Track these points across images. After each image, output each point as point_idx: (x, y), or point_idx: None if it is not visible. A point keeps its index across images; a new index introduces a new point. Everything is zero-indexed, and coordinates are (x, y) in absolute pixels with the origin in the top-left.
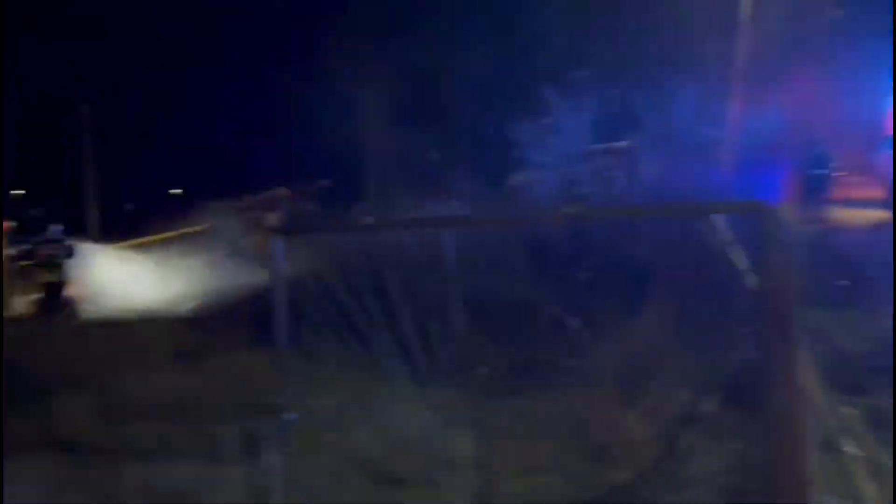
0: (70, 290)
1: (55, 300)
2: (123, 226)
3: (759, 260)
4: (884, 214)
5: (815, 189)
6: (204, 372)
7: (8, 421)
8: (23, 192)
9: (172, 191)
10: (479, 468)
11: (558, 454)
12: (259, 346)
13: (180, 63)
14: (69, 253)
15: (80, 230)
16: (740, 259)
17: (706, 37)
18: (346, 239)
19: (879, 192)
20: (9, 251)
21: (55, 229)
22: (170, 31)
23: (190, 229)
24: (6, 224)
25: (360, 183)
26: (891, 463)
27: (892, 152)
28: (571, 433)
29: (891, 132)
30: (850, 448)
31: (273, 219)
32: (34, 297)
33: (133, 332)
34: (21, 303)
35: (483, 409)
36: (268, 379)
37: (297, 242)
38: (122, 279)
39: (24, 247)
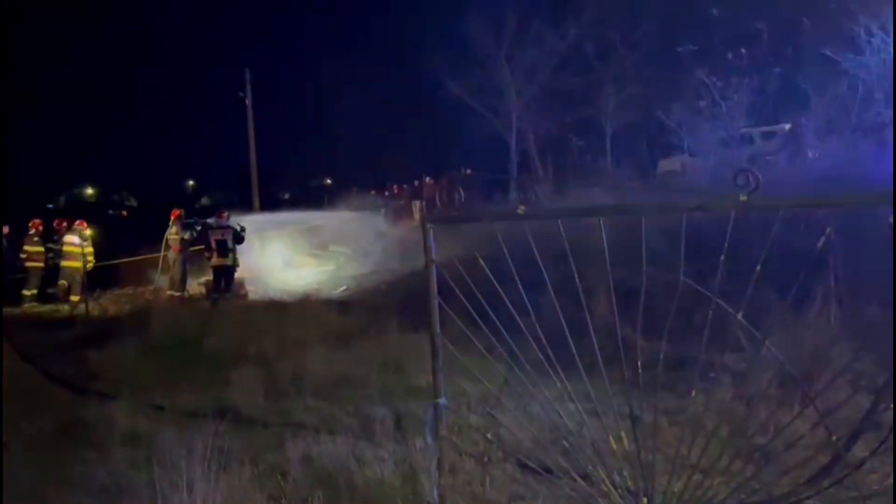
0: (238, 273)
1: (225, 282)
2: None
3: None
4: None
5: None
6: (358, 353)
7: (183, 391)
8: (193, 182)
9: (322, 181)
10: (631, 464)
11: (716, 455)
12: (407, 330)
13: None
14: (238, 238)
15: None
16: None
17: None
18: (494, 227)
19: None
20: (182, 235)
21: (224, 216)
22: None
23: (339, 217)
24: (176, 211)
25: (502, 171)
26: None
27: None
28: (730, 434)
29: None
30: None
31: (419, 207)
32: (205, 279)
33: (292, 314)
34: (193, 285)
35: (632, 404)
36: (417, 362)
37: (447, 230)
38: (281, 263)
39: (196, 231)
